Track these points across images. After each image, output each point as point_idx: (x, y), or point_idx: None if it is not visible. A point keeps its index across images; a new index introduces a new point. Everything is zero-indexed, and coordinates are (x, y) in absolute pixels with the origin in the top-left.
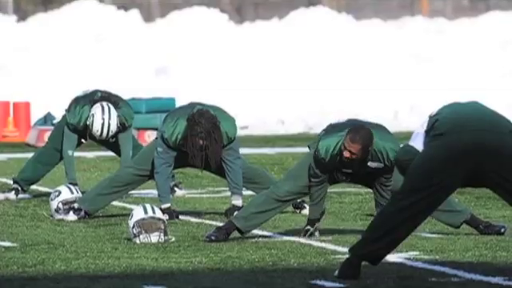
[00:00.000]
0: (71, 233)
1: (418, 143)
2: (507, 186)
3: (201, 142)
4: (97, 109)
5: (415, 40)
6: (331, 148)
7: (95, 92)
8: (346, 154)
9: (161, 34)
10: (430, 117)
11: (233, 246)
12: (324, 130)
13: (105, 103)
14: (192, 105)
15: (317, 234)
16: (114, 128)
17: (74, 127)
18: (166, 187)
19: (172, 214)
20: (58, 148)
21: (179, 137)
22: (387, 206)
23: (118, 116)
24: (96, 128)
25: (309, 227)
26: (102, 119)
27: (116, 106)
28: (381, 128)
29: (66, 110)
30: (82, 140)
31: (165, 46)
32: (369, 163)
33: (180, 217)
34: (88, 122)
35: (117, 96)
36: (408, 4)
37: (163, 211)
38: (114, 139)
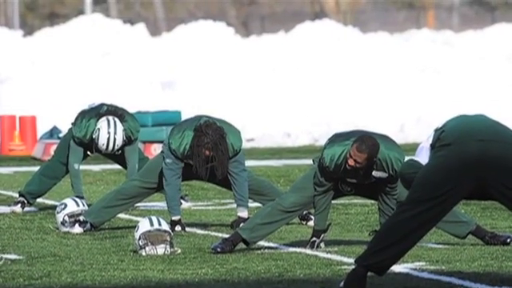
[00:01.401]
0: (77, 245)
1: (423, 157)
2: None
3: (207, 152)
4: (103, 123)
5: (421, 52)
6: (336, 157)
7: (101, 106)
8: (351, 162)
9: (167, 47)
10: (436, 130)
11: (239, 257)
12: (329, 140)
13: (111, 117)
14: (198, 117)
15: (322, 245)
16: (119, 142)
17: (80, 141)
18: (176, 199)
19: (183, 225)
20: (63, 161)
21: (187, 147)
22: (393, 216)
23: (124, 130)
24: (102, 142)
25: (314, 239)
26: (108, 133)
27: (122, 120)
28: (386, 138)
29: (72, 124)
30: (88, 153)
31: (171, 60)
32: (373, 172)
33: (186, 229)
34: (94, 136)
35: (123, 109)
36: (414, 17)
37: (174, 223)
38: (120, 152)
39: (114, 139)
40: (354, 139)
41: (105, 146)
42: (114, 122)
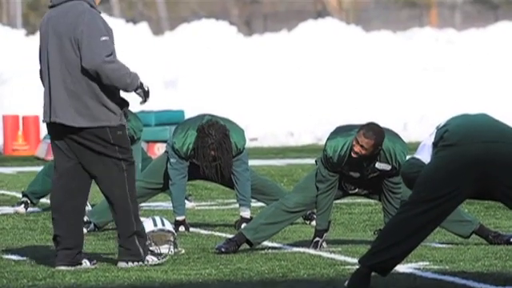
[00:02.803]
0: None
1: (424, 155)
2: None
3: (212, 152)
4: None
5: (424, 51)
6: (339, 147)
7: None
8: (357, 149)
9: (170, 46)
10: (438, 128)
11: (242, 257)
12: (331, 132)
13: None
14: (202, 116)
15: (325, 244)
16: None
17: None
18: (182, 199)
19: (187, 225)
20: None
21: (190, 147)
22: (396, 216)
23: (127, 129)
24: None
25: (317, 239)
26: None
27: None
28: (389, 130)
29: None
30: None
31: (174, 59)
32: (376, 164)
33: (190, 229)
34: None
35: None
36: (417, 15)
37: (178, 223)
38: None
39: None
40: (360, 127)
41: None
42: None
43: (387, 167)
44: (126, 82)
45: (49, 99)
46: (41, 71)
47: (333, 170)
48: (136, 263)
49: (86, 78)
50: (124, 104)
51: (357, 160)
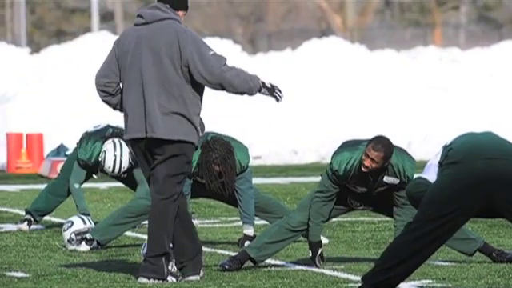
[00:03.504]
0: (84, 263)
1: (431, 175)
2: None
3: (217, 167)
4: (108, 145)
5: (428, 70)
6: (345, 162)
7: (106, 128)
8: (367, 162)
9: None
10: (444, 147)
11: (245, 275)
12: (338, 147)
13: (116, 139)
14: (205, 133)
15: (323, 258)
16: (125, 164)
17: (85, 163)
18: None
19: None
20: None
21: (193, 165)
22: (401, 235)
23: (130, 152)
24: (108, 164)
25: (321, 249)
26: (114, 156)
27: (128, 143)
28: (397, 146)
29: (77, 144)
30: (94, 175)
31: None
32: (384, 178)
33: None
34: (100, 159)
35: None
36: (421, 34)
37: None
38: (126, 175)
39: (121, 161)
40: (368, 141)
41: (111, 169)
42: (120, 145)
43: (395, 181)
44: (249, 86)
45: (143, 115)
46: (107, 86)
47: (337, 184)
48: (157, 281)
49: (182, 95)
50: (202, 125)
51: (365, 174)
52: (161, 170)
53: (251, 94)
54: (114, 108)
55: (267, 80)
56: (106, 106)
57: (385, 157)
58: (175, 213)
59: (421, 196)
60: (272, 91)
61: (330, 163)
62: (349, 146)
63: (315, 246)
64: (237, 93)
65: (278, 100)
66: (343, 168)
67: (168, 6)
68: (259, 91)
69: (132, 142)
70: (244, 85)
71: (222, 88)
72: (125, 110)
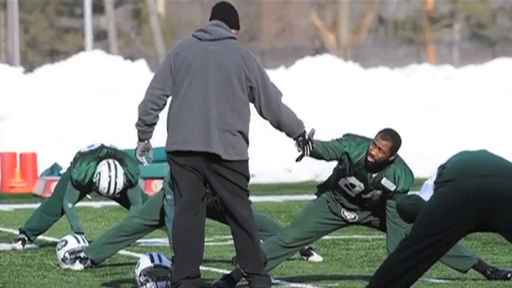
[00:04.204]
0: (78, 282)
1: (427, 195)
2: None
3: None
4: (103, 166)
5: (422, 87)
6: (356, 143)
7: (101, 148)
8: (375, 151)
9: None
10: (439, 167)
11: None
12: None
13: (111, 160)
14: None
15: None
16: (120, 185)
17: (79, 184)
18: None
19: None
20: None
21: None
22: (395, 253)
23: (125, 173)
24: (103, 186)
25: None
26: (109, 177)
27: (122, 164)
28: (403, 160)
29: (71, 163)
30: (87, 196)
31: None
32: (383, 180)
33: None
34: (94, 180)
35: (122, 152)
36: (414, 52)
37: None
38: (119, 195)
39: (115, 183)
40: (377, 133)
41: (106, 190)
42: (115, 166)
43: (392, 187)
44: (292, 130)
45: (206, 130)
46: (160, 98)
47: (337, 150)
48: None
49: (245, 114)
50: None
51: (370, 166)
52: (229, 189)
53: (290, 136)
54: (149, 125)
55: (308, 130)
56: (101, 124)
57: (392, 147)
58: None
59: (409, 209)
60: (305, 143)
61: (342, 137)
62: (364, 138)
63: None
64: (276, 128)
65: (302, 155)
66: (352, 149)
67: (225, 24)
68: (297, 138)
69: (175, 155)
70: (289, 127)
71: (273, 123)
72: (178, 122)
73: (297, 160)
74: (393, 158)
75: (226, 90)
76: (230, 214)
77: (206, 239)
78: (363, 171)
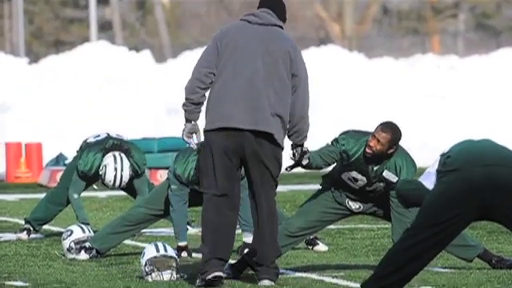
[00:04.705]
0: (83, 272)
1: (428, 182)
2: None
3: None
4: (109, 159)
5: (427, 77)
6: (354, 139)
7: (107, 139)
8: (373, 142)
9: (172, 74)
10: (442, 155)
11: (244, 282)
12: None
13: (117, 153)
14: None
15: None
16: (126, 178)
17: (84, 174)
18: (183, 225)
19: (190, 251)
20: None
21: (191, 173)
22: (399, 242)
23: (131, 165)
24: (109, 179)
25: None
26: (115, 170)
27: (128, 154)
28: (405, 150)
29: (77, 152)
30: (94, 186)
31: (176, 86)
32: (384, 172)
33: (192, 254)
34: (100, 172)
35: (128, 142)
36: (419, 42)
37: (180, 249)
38: (126, 184)
39: (121, 176)
40: (378, 125)
41: (112, 183)
42: (121, 159)
43: (393, 178)
44: (301, 134)
45: (253, 109)
46: (207, 76)
47: (336, 153)
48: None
49: (287, 101)
50: None
51: (369, 158)
52: (263, 173)
53: (293, 138)
54: (196, 104)
55: (306, 146)
56: (106, 114)
57: (391, 140)
58: None
59: (409, 194)
60: (301, 156)
61: (339, 136)
62: (362, 132)
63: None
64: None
65: (296, 165)
66: (351, 146)
67: (273, 13)
68: (295, 146)
69: (216, 134)
70: (300, 130)
71: (291, 120)
72: (222, 99)
73: (287, 169)
74: (392, 151)
75: (272, 74)
76: (255, 200)
77: None
78: (364, 165)
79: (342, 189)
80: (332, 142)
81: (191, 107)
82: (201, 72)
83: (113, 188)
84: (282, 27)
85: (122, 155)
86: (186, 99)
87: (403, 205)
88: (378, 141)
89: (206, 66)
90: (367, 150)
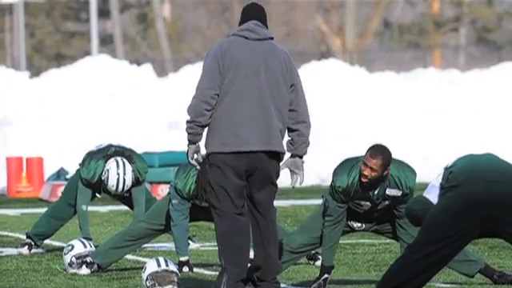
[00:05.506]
0: (84, 286)
1: (432, 196)
2: None
3: None
4: (111, 164)
5: (428, 91)
6: (346, 175)
7: (109, 147)
8: (367, 171)
9: (174, 88)
10: (445, 169)
11: None
12: (338, 164)
13: (119, 158)
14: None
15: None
16: (129, 183)
17: (88, 182)
18: (184, 240)
19: (191, 266)
20: (71, 203)
21: (192, 187)
22: (401, 258)
23: (133, 171)
24: (111, 183)
25: (326, 276)
26: (117, 174)
27: (130, 161)
28: (395, 159)
29: (79, 165)
30: (97, 194)
31: (178, 100)
32: (387, 191)
33: (194, 269)
34: (103, 177)
35: (130, 150)
36: (420, 56)
37: (182, 264)
38: (129, 194)
39: (124, 180)
40: (366, 151)
41: (114, 188)
42: (123, 163)
43: (398, 193)
44: (302, 142)
45: (263, 128)
46: (213, 98)
47: (341, 201)
48: None
49: (286, 115)
50: None
51: (366, 186)
52: (272, 193)
53: (293, 148)
54: (203, 126)
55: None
56: (107, 128)
57: (383, 164)
58: None
59: (419, 214)
60: (300, 169)
61: (332, 181)
62: (348, 162)
63: (325, 269)
64: (289, 132)
65: (292, 182)
66: (345, 183)
67: (263, 25)
68: (294, 156)
69: (227, 156)
70: (301, 140)
71: (293, 131)
72: (231, 121)
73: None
74: (386, 172)
75: (273, 90)
76: (259, 216)
77: (208, 243)
78: (364, 193)
79: (347, 212)
80: (325, 202)
81: (197, 129)
82: (206, 94)
83: (116, 193)
84: (273, 38)
85: (124, 160)
86: (193, 122)
87: (413, 224)
88: (371, 168)
89: (211, 87)
90: (363, 180)
